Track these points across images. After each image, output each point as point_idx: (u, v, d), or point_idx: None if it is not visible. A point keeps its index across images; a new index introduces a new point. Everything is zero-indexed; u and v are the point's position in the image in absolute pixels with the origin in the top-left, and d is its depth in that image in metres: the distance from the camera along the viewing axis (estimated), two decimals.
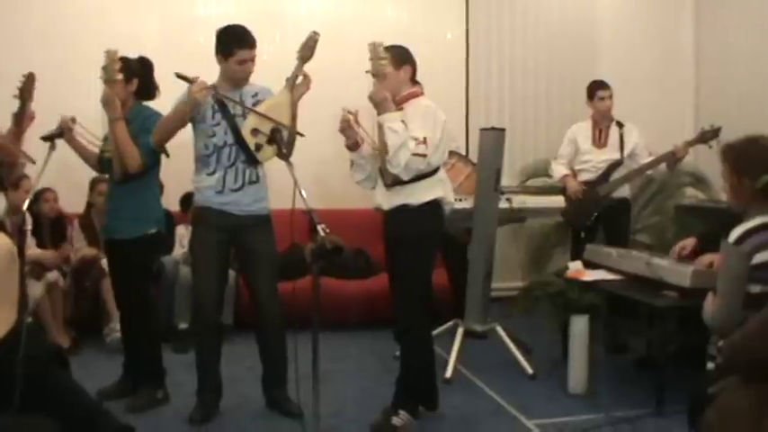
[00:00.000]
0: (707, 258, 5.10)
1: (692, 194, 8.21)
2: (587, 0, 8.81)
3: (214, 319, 4.78)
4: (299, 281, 5.73)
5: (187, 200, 6.68)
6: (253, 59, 4.64)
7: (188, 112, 4.58)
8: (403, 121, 4.39)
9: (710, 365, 3.39)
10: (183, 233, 6.89)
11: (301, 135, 4.66)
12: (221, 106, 4.65)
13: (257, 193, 4.74)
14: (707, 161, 7.09)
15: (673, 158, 6.30)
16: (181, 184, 6.31)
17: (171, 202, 6.90)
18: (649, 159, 6.44)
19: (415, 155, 4.36)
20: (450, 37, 8.35)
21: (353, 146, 4.68)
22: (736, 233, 3.24)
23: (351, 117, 4.59)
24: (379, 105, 4.42)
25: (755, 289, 3.18)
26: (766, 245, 3.18)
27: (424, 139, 4.38)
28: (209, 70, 4.71)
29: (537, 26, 8.63)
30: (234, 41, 4.60)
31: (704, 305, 3.42)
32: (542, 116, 8.62)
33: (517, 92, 8.59)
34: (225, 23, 4.73)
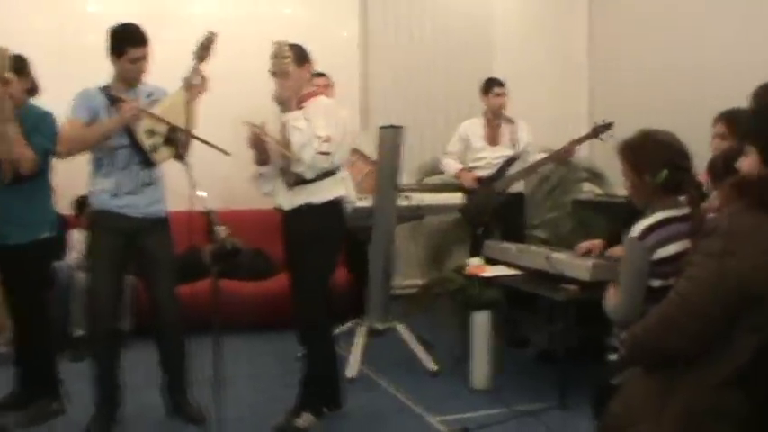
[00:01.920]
0: (618, 250, 5.18)
1: (588, 189, 8.36)
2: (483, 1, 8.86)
3: (111, 326, 4.65)
4: (197, 283, 5.65)
5: (81, 203, 6.50)
6: (146, 57, 4.53)
7: (115, 132, 4.45)
8: (307, 120, 4.36)
9: (612, 357, 3.44)
10: (77, 237, 6.69)
11: (227, 153, 4.55)
12: (114, 107, 4.52)
13: (154, 195, 4.63)
14: (603, 156, 7.24)
15: (560, 157, 6.43)
16: (74, 187, 6.12)
17: (63, 205, 6.65)
18: (539, 157, 6.54)
19: (319, 153, 4.34)
20: (346, 35, 8.33)
21: (265, 161, 4.62)
22: (638, 228, 3.29)
23: (258, 131, 4.51)
24: (284, 104, 4.40)
25: (656, 283, 3.22)
26: (667, 240, 3.23)
27: (328, 137, 4.36)
28: (101, 69, 4.59)
29: (433, 23, 8.62)
30: (126, 40, 4.47)
31: (605, 297, 3.46)
32: (440, 113, 8.61)
33: (414, 89, 8.56)
34: (117, 22, 4.59)
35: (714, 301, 2.40)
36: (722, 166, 3.05)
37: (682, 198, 3.36)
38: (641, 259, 3.23)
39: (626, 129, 6.31)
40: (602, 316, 5.69)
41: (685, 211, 3.30)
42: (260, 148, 4.57)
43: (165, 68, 4.68)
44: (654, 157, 3.34)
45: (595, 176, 8.00)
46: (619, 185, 7.81)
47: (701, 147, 3.71)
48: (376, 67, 8.46)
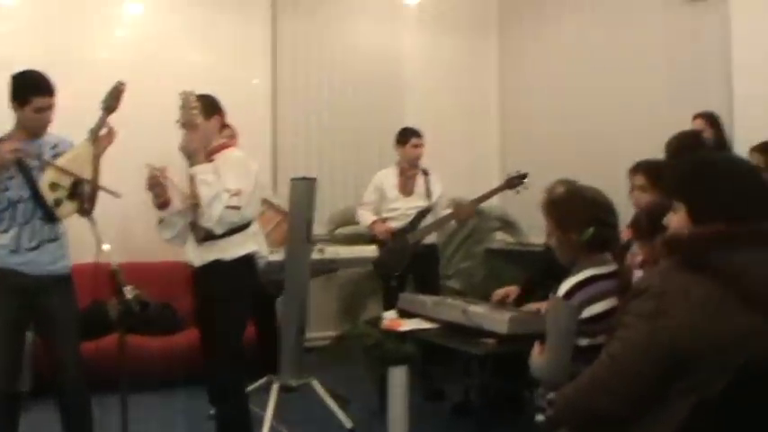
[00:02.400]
0: (534, 307, 5.17)
1: (500, 238, 8.37)
2: (393, 49, 8.85)
3: (9, 390, 4.34)
4: (102, 339, 5.42)
5: None
6: (51, 107, 4.33)
7: None
8: (216, 173, 4.22)
9: (539, 417, 3.36)
10: None
11: (117, 196, 4.34)
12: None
13: (56, 251, 4.39)
14: (514, 205, 7.25)
15: (458, 217, 6.43)
16: None
17: None
18: (444, 214, 6.55)
19: (228, 207, 4.20)
20: (256, 83, 8.19)
21: (163, 204, 4.46)
22: (564, 287, 3.23)
23: (158, 174, 4.35)
24: (192, 156, 4.24)
25: (584, 342, 3.17)
26: (595, 298, 3.18)
27: (238, 190, 4.24)
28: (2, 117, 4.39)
29: (344, 73, 8.58)
30: (30, 88, 4.26)
31: (531, 355, 3.38)
32: (350, 162, 8.57)
33: (325, 138, 8.50)
34: (20, 67, 4.39)
35: (646, 362, 2.33)
36: (647, 222, 3.01)
37: (607, 255, 3.31)
38: (568, 318, 3.17)
39: (538, 179, 6.42)
40: (519, 370, 5.73)
41: (612, 267, 3.26)
42: (157, 190, 4.42)
43: (69, 116, 4.51)
44: (580, 214, 3.29)
45: (508, 225, 8.01)
46: (532, 234, 7.98)
47: (614, 197, 3.66)
48: (286, 115, 8.34)
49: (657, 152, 4.99)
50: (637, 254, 3.45)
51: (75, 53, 7.30)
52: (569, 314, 3.17)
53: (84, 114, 4.43)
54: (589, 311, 3.16)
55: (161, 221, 4.56)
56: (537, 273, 5.86)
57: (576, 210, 3.32)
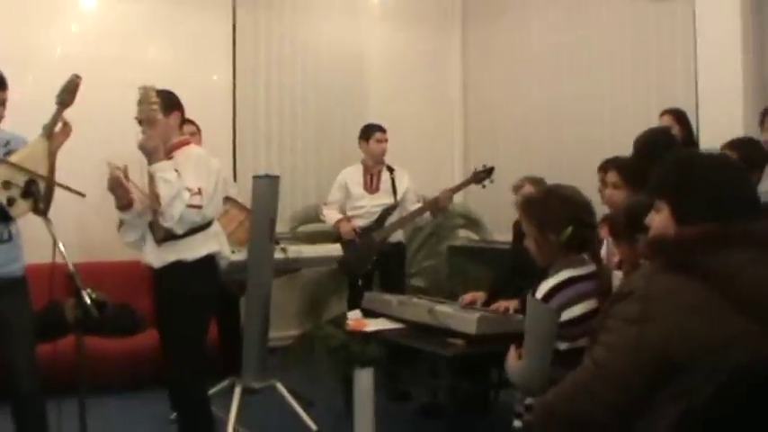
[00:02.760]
0: (501, 305, 5.09)
1: (464, 235, 8.30)
2: (355, 44, 8.73)
3: None
4: (59, 341, 5.23)
5: None
6: (3, 103, 4.16)
7: None
8: (176, 171, 4.07)
9: (517, 423, 3.25)
10: None
11: (81, 195, 4.19)
12: None
13: (10, 252, 4.20)
14: (478, 202, 7.17)
15: (436, 206, 6.30)
16: None
17: None
18: (416, 207, 6.40)
19: (189, 206, 4.06)
20: (216, 79, 8.02)
21: (126, 206, 4.30)
22: (543, 289, 3.12)
23: (120, 173, 4.19)
24: (151, 154, 4.09)
25: (563, 346, 3.07)
26: (574, 301, 3.09)
27: (199, 189, 4.11)
28: None
29: (305, 68, 8.45)
30: None
31: (507, 359, 3.29)
32: (311, 160, 8.45)
33: (286, 135, 8.36)
34: None
35: (632, 367, 2.23)
36: (626, 222, 2.91)
37: (585, 255, 3.22)
38: (547, 322, 3.07)
39: (502, 176, 6.36)
40: (485, 370, 5.67)
41: (590, 268, 3.17)
42: (120, 191, 4.26)
43: (22, 114, 4.34)
44: (558, 213, 3.19)
45: (472, 222, 7.93)
46: (496, 231, 7.92)
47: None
48: (246, 112, 8.18)
49: (623, 149, 4.90)
50: (613, 254, 3.36)
51: (30, 48, 7.10)
52: (547, 317, 3.07)
53: (38, 111, 4.26)
54: (568, 314, 3.07)
55: (122, 224, 4.41)
56: (504, 273, 5.80)
57: (555, 209, 3.21)
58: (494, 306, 5.12)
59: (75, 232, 6.89)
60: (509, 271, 5.77)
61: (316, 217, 7.71)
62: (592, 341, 2.50)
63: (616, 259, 3.06)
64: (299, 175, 8.29)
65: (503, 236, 7.79)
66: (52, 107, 4.19)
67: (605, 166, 4.54)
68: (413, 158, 6.96)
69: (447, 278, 7.66)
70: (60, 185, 4.18)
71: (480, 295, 5.39)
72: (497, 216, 7.82)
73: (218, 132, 7.57)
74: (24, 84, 6.57)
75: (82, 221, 6.97)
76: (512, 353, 3.29)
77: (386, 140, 6.60)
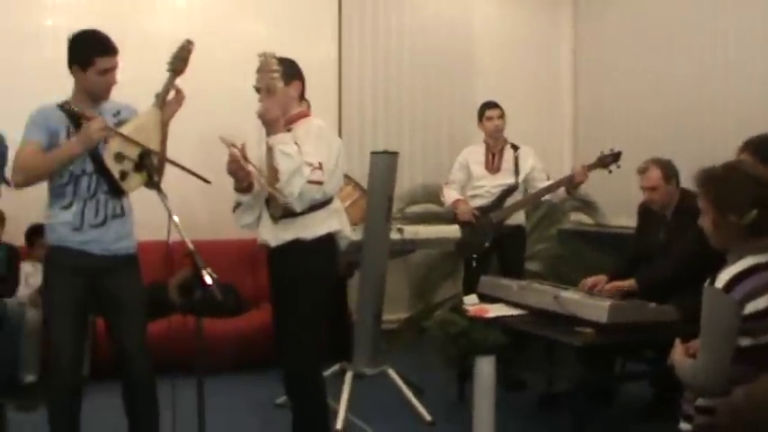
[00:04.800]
0: (615, 285, 4.82)
1: (574, 219, 7.98)
2: (463, 21, 8.43)
3: (72, 378, 3.98)
4: (159, 321, 5.07)
5: (33, 233, 5.99)
6: (115, 68, 3.94)
7: (79, 155, 3.85)
8: (296, 144, 3.82)
9: (685, 426, 2.92)
10: (29, 271, 6.16)
11: (207, 182, 3.92)
12: (78, 126, 3.90)
13: (122, 228, 4.01)
14: (595, 185, 6.80)
15: (571, 183, 5.95)
16: (27, 215, 5.55)
17: (15, 235, 6.22)
18: (547, 184, 6.07)
19: (310, 182, 3.81)
20: (322, 57, 7.80)
21: (246, 188, 4.08)
22: (724, 278, 2.79)
23: (238, 153, 3.96)
24: (270, 125, 3.85)
25: (745, 342, 2.75)
26: (759, 291, 2.75)
27: (320, 164, 3.85)
28: (59, 87, 4.01)
29: (412, 46, 8.19)
30: (93, 48, 3.88)
31: (673, 356, 2.96)
32: (418, 139, 8.21)
33: (391, 114, 8.14)
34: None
35: None
36: None
37: None
38: (730, 315, 2.74)
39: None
40: (610, 361, 5.35)
41: None
42: (240, 173, 4.01)
43: (126, 90, 4.12)
44: (742, 193, 2.85)
45: (587, 206, 7.58)
46: (610, 215, 7.56)
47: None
48: (352, 90, 7.99)
49: (751, 131, 4.46)
50: None
51: (134, 24, 6.99)
52: (730, 309, 2.74)
53: (141, 88, 4.08)
54: (753, 306, 2.74)
55: (238, 206, 4.19)
56: (627, 258, 5.48)
57: (738, 188, 2.87)
58: (608, 286, 4.95)
59: (177, 211, 6.73)
60: (632, 257, 5.47)
61: (423, 197, 7.57)
62: None
63: None
64: (405, 155, 7.98)
65: (616, 220, 7.45)
66: (154, 83, 3.99)
67: (745, 147, 4.14)
68: (521, 139, 6.61)
69: (561, 263, 7.32)
70: (186, 170, 3.94)
71: (602, 279, 5.16)
72: (610, 199, 7.48)
73: (322, 111, 7.34)
74: (128, 59, 6.47)
75: (184, 200, 6.79)
76: (678, 348, 2.98)
77: (498, 117, 6.27)
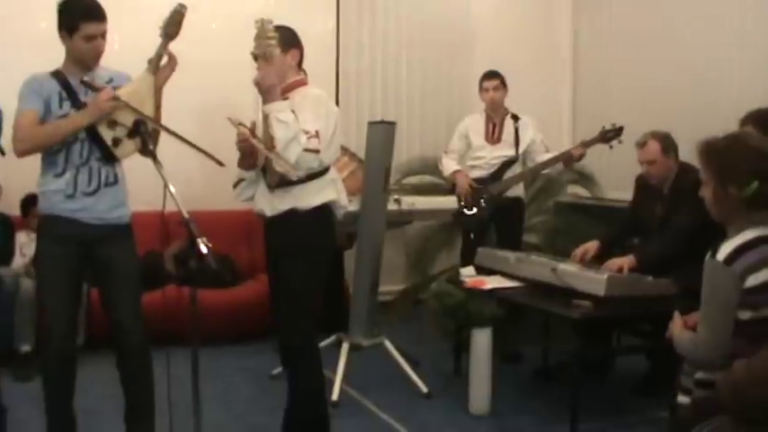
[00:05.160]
0: (616, 263, 4.78)
1: (572, 192, 7.94)
2: None
3: (66, 347, 3.92)
4: (153, 292, 5.05)
5: (28, 202, 5.95)
6: (103, 35, 3.86)
7: (86, 126, 3.79)
8: (293, 112, 3.78)
9: (683, 399, 2.90)
10: (24, 241, 6.11)
11: (221, 164, 3.83)
12: (69, 93, 3.85)
13: (115, 197, 3.95)
14: (593, 158, 6.76)
15: (570, 158, 5.92)
16: (22, 185, 5.50)
17: (10, 204, 6.18)
18: (547, 157, 6.03)
19: (306, 150, 3.75)
20: (319, 29, 7.70)
21: (251, 165, 4.03)
22: (725, 251, 2.75)
23: (247, 132, 3.90)
24: (267, 92, 3.79)
25: (745, 315, 2.72)
26: (760, 264, 2.71)
27: (317, 132, 3.79)
28: (53, 58, 3.94)
29: (410, 18, 8.09)
30: (79, 14, 3.79)
31: (671, 329, 2.94)
32: (416, 110, 8.13)
33: (388, 85, 8.04)
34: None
35: None
36: None
37: None
38: (730, 288, 2.71)
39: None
40: (605, 333, 5.35)
41: None
42: (249, 151, 3.97)
43: (121, 57, 4.08)
44: (743, 165, 2.80)
45: (585, 179, 7.53)
46: (608, 188, 7.52)
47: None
48: (350, 62, 7.89)
49: (750, 104, 4.41)
50: None
51: None
52: (730, 282, 2.71)
53: (133, 58, 4.02)
54: (754, 279, 2.71)
55: (240, 182, 4.15)
56: (621, 227, 5.48)
57: (740, 160, 2.81)
58: (608, 263, 4.86)
59: (171, 179, 6.68)
60: (625, 227, 5.48)
61: (420, 169, 7.51)
62: None
63: None
64: (403, 126, 7.91)
65: (614, 193, 7.41)
66: (147, 53, 3.92)
67: (747, 120, 4.10)
68: (519, 110, 6.55)
69: (558, 235, 7.29)
70: (200, 150, 3.86)
71: (592, 246, 5.20)
72: (608, 172, 7.43)
73: (320, 82, 7.25)
74: (122, 28, 6.39)
75: (179, 168, 6.74)
76: (677, 321, 2.95)
77: (494, 89, 6.18)
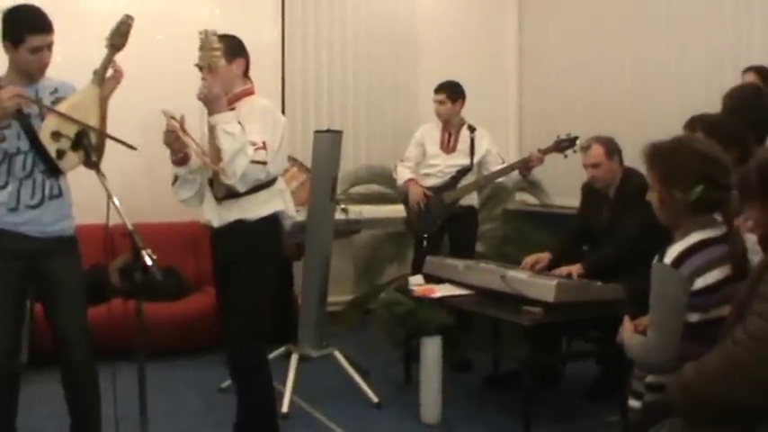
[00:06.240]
0: (564, 270, 4.82)
1: (519, 199, 7.99)
2: (408, 4, 8.33)
3: (9, 364, 3.86)
4: (100, 306, 4.97)
5: None
6: (49, 47, 3.79)
7: None
8: (240, 123, 3.75)
9: (634, 403, 2.90)
10: None
11: (133, 148, 3.77)
12: None
13: (60, 209, 3.88)
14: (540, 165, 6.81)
15: (526, 166, 5.94)
16: None
17: None
18: (501, 166, 6.05)
19: (254, 162, 3.74)
20: (264, 39, 7.67)
21: (182, 160, 3.99)
22: (672, 254, 2.76)
23: (176, 125, 3.86)
24: (213, 103, 3.77)
25: (694, 318, 2.72)
26: (707, 266, 2.73)
27: (264, 143, 3.78)
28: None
29: (356, 28, 8.08)
30: (25, 25, 3.72)
31: (622, 333, 2.95)
32: (361, 120, 8.11)
33: (335, 96, 8.02)
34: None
35: None
36: (757, 181, 2.51)
37: (715, 216, 2.85)
38: (678, 291, 2.72)
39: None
40: (556, 341, 5.38)
41: (722, 230, 2.81)
42: (176, 145, 3.92)
43: (66, 68, 4.03)
44: (688, 169, 2.81)
45: (533, 186, 7.57)
46: (555, 195, 7.58)
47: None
48: (295, 71, 7.86)
49: (694, 108, 4.48)
50: (747, 217, 2.97)
51: (74, 2, 6.81)
52: (678, 285, 2.72)
53: (80, 67, 3.98)
54: (702, 282, 2.71)
55: (177, 180, 4.10)
56: (569, 236, 5.53)
57: (684, 163, 2.83)
58: (557, 271, 4.93)
59: (117, 192, 6.58)
60: (575, 235, 5.51)
61: (367, 178, 7.50)
62: (738, 312, 2.17)
63: (751, 222, 2.67)
64: (349, 136, 7.88)
65: (560, 200, 7.47)
66: (92, 64, 3.86)
67: (692, 125, 4.14)
68: (467, 119, 6.59)
69: (506, 243, 7.32)
70: (110, 137, 3.84)
71: (544, 257, 5.21)
72: (554, 179, 7.49)
73: (265, 93, 7.20)
74: (68, 38, 6.29)
75: (124, 181, 6.66)
76: (627, 325, 2.96)
77: (440, 102, 6.18)
